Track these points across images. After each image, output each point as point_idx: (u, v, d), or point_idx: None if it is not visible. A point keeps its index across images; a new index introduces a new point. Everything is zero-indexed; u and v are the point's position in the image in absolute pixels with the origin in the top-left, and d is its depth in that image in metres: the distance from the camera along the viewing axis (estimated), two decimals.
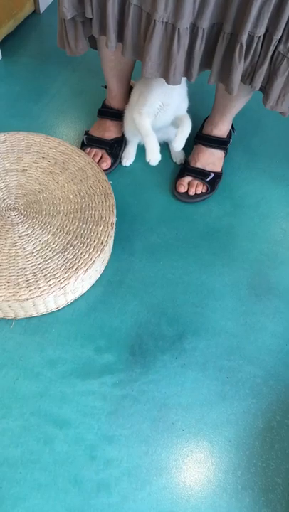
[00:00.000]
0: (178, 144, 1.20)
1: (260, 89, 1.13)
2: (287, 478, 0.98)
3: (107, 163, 1.39)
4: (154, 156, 1.16)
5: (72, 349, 1.11)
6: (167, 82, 1.07)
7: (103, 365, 1.09)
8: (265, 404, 1.06)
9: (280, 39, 0.98)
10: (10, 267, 1.09)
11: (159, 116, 1.20)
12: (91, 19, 1.08)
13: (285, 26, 0.95)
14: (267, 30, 0.98)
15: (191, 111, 1.24)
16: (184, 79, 1.15)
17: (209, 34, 1.01)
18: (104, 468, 0.98)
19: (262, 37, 0.99)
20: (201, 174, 1.36)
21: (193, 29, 1.00)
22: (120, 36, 1.08)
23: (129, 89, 1.39)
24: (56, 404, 1.04)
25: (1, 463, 0.97)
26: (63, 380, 1.06)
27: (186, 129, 1.20)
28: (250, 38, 0.98)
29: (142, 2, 0.99)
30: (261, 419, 1.04)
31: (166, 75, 1.05)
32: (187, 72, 1.07)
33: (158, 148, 1.18)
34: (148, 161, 1.17)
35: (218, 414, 1.04)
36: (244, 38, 0.97)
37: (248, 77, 1.07)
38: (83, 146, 1.41)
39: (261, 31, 0.97)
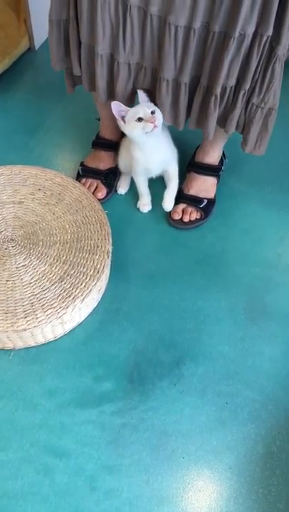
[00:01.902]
0: (168, 205, 1.36)
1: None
2: None
3: (102, 192, 1.42)
4: (145, 208, 1.41)
5: (71, 378, 1.11)
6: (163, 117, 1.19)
7: (102, 394, 1.09)
8: (264, 429, 1.06)
9: (252, 91, 1.09)
10: (8, 297, 1.11)
11: (151, 171, 1.33)
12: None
13: (253, 79, 1.08)
14: (238, 81, 1.09)
15: (184, 138, 1.28)
16: (164, 141, 1.28)
17: (190, 88, 1.13)
18: (104, 498, 0.97)
19: (233, 87, 1.10)
20: (194, 201, 1.39)
21: (177, 83, 1.12)
22: (110, 93, 1.20)
23: None
24: (55, 435, 1.04)
25: (1, 496, 0.97)
26: (62, 410, 1.07)
27: (172, 190, 1.35)
28: (224, 88, 1.10)
29: (130, 57, 1.10)
30: (261, 444, 1.04)
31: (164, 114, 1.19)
32: (175, 121, 1.20)
33: (149, 201, 1.41)
34: (139, 209, 1.41)
35: (218, 440, 1.04)
36: (218, 90, 1.09)
37: (222, 122, 1.18)
38: (79, 177, 1.44)
39: (233, 82, 1.09)
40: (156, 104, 1.17)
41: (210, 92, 1.12)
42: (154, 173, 1.33)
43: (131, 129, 1.16)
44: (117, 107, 1.14)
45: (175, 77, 1.12)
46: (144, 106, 1.14)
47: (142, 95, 1.14)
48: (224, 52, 1.03)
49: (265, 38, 1.00)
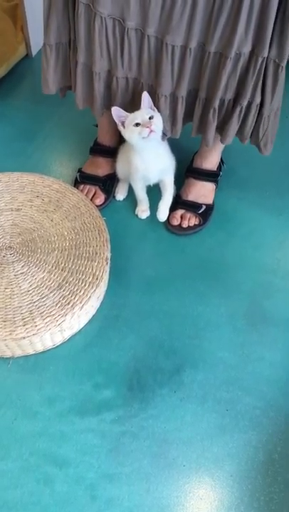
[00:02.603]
0: (162, 215, 1.34)
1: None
2: None
3: (100, 199, 1.41)
4: (143, 214, 1.41)
5: (70, 386, 1.10)
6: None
7: (102, 402, 1.08)
8: (265, 436, 1.05)
9: (262, 105, 1.13)
10: (6, 305, 1.10)
11: (149, 179, 1.32)
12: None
13: (252, 94, 1.11)
14: (236, 95, 1.12)
15: (182, 144, 1.28)
16: (163, 148, 1.28)
17: (187, 100, 1.16)
18: (105, 508, 0.96)
19: (232, 100, 1.13)
20: (193, 207, 1.39)
21: (174, 97, 1.15)
22: (107, 106, 1.22)
23: None
24: (55, 444, 1.03)
25: (1, 506, 0.96)
26: (62, 418, 1.06)
27: (166, 200, 1.34)
28: (222, 101, 1.13)
29: (127, 73, 1.13)
30: (262, 451, 1.03)
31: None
32: (173, 131, 1.23)
33: (148, 207, 1.40)
34: (138, 215, 1.41)
35: (219, 448, 1.04)
36: (217, 103, 1.12)
37: (221, 131, 1.22)
38: (77, 184, 1.44)
39: (230, 96, 1.13)
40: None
41: (208, 105, 1.15)
42: (152, 181, 1.32)
43: (129, 133, 1.16)
44: (117, 112, 1.15)
45: (172, 92, 1.14)
46: (143, 112, 1.14)
47: (145, 99, 1.14)
48: (221, 70, 1.06)
49: (260, 60, 1.04)
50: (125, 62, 1.11)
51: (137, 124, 1.14)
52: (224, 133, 1.20)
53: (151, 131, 1.13)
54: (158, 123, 1.15)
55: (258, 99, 1.12)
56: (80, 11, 1.05)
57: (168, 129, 1.23)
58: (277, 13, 0.98)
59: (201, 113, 1.18)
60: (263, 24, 0.99)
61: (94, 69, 1.13)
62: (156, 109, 1.17)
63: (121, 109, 1.15)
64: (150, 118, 1.14)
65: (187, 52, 1.06)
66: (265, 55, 1.03)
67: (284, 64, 1.06)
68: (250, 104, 1.13)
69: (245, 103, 1.13)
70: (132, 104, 1.19)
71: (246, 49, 1.04)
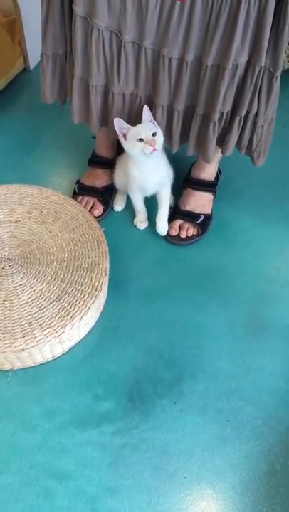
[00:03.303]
0: (161, 229, 1.36)
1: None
2: None
3: (98, 210, 1.42)
4: (142, 225, 1.41)
5: (70, 398, 1.10)
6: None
7: (102, 413, 1.08)
8: (267, 446, 1.04)
9: (257, 115, 1.14)
10: (5, 317, 1.10)
11: (147, 190, 1.32)
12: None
13: (249, 104, 1.12)
14: (234, 106, 1.13)
15: (179, 154, 1.29)
16: (162, 162, 1.29)
17: (184, 115, 1.17)
18: None
19: (230, 111, 1.14)
20: (191, 217, 1.39)
21: (171, 109, 1.16)
22: (103, 122, 1.23)
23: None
24: (55, 457, 1.02)
25: None
26: (62, 430, 1.05)
27: (163, 214, 1.35)
28: (220, 114, 1.13)
29: (124, 88, 1.14)
30: (264, 462, 1.02)
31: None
32: (169, 143, 1.24)
33: (146, 218, 1.41)
34: (136, 226, 1.41)
35: (221, 459, 1.03)
36: (216, 117, 1.13)
37: (220, 143, 1.22)
38: (75, 195, 1.45)
39: (228, 108, 1.13)
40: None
41: (207, 119, 1.15)
42: (149, 192, 1.33)
43: (131, 147, 1.17)
44: (119, 124, 1.16)
45: (169, 103, 1.15)
46: (146, 127, 1.14)
47: (146, 113, 1.15)
48: (219, 82, 1.07)
49: (257, 69, 1.05)
50: (122, 77, 1.12)
51: (140, 139, 1.14)
52: (225, 144, 1.20)
53: (154, 149, 1.14)
54: (160, 140, 1.16)
55: (255, 109, 1.13)
56: (77, 24, 1.06)
57: (165, 141, 1.23)
58: (272, 23, 0.99)
59: (198, 130, 1.19)
60: (259, 34, 1.00)
61: (90, 82, 1.14)
62: (156, 122, 1.17)
63: (123, 121, 1.16)
64: (153, 134, 1.14)
65: (184, 65, 1.07)
66: (262, 64, 1.04)
67: (278, 73, 1.07)
68: (247, 113, 1.14)
69: (243, 113, 1.13)
70: (128, 122, 1.19)
71: (243, 59, 1.05)
